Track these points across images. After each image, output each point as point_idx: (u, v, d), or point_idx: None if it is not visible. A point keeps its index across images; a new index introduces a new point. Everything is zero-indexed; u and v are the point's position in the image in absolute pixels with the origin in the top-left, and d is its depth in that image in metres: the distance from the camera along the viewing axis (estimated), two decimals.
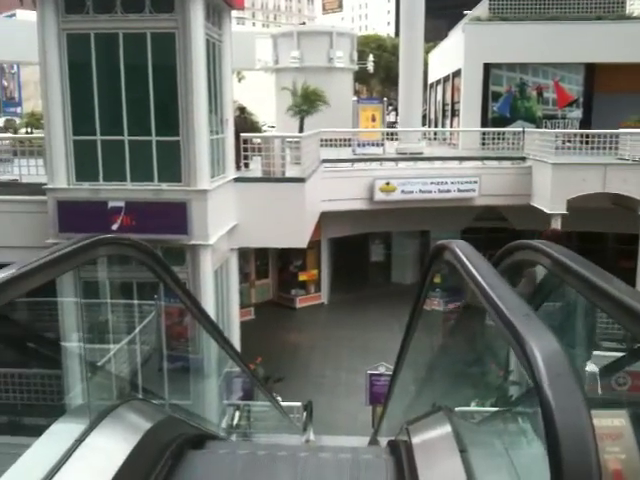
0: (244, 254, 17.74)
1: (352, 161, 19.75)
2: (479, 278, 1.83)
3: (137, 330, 9.93)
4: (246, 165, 14.78)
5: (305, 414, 12.16)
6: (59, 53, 11.09)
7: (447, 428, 2.57)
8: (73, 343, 4.27)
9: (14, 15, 58.37)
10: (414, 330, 4.28)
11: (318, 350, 18.34)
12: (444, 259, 2.87)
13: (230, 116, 13.50)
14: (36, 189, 12.11)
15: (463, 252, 2.20)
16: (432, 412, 3.00)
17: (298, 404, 12.03)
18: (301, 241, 14.36)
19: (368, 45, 49.07)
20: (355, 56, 29.78)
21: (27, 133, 17.83)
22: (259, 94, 32.67)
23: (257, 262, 21.77)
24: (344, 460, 2.95)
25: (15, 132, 18.35)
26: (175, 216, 11.61)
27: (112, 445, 2.33)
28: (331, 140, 21.72)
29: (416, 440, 2.66)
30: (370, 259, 24.70)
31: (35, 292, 1.99)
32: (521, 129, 21.29)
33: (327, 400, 14.77)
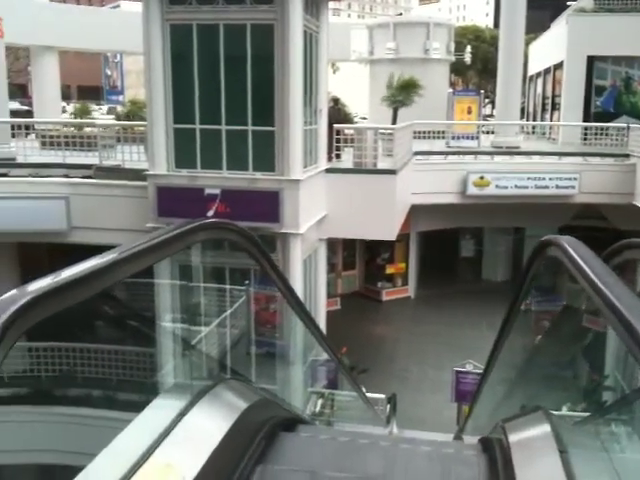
0: (331, 244, 17.83)
1: (445, 154, 19.41)
2: (593, 276, 1.74)
3: (227, 313, 10.21)
4: (337, 156, 14.83)
5: (389, 407, 12.12)
6: (162, 43, 11.47)
7: (546, 428, 2.49)
8: (169, 323, 4.43)
9: (118, 6, 60.92)
10: (510, 329, 4.16)
11: (403, 344, 18.23)
12: (548, 255, 2.76)
13: (324, 107, 13.55)
14: (137, 175, 12.62)
15: (573, 248, 2.11)
16: (530, 411, 2.91)
17: (382, 396, 12.01)
18: (390, 233, 14.27)
19: (465, 36, 47.97)
20: (452, 47, 29.21)
21: (127, 120, 18.51)
22: (352, 85, 32.66)
23: (344, 253, 21.85)
24: (435, 453, 2.92)
25: (118, 119, 19.13)
26: (268, 205, 11.79)
27: (211, 422, 2.40)
28: (424, 132, 21.42)
29: (513, 438, 2.59)
30: (460, 254, 24.27)
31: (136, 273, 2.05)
32: (626, 125, 20.23)
33: (411, 395, 14.67)
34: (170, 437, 2.17)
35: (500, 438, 2.75)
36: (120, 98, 60.70)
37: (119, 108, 33.88)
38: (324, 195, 13.57)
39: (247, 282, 11.45)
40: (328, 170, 13.72)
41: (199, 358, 4.04)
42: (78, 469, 2.11)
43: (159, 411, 2.40)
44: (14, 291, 1.43)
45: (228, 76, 11.42)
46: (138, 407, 2.43)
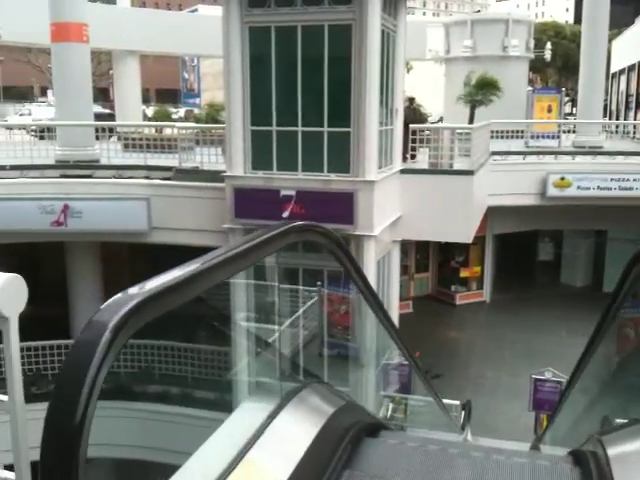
0: (404, 246, 17.65)
1: (524, 154, 18.90)
2: None
3: (299, 313, 10.25)
4: (412, 156, 14.67)
5: (463, 413, 11.89)
6: (241, 46, 11.63)
7: None
8: (250, 323, 4.44)
9: (196, 10, 62.42)
10: (602, 338, 3.96)
11: (478, 349, 17.84)
12: None
13: (400, 107, 13.43)
14: (215, 176, 12.86)
15: None
16: (631, 424, 2.75)
17: (456, 403, 11.78)
18: (466, 236, 13.98)
19: (545, 32, 46.62)
20: (531, 44, 28.42)
21: (206, 123, 18.92)
22: (426, 84, 32.28)
23: (417, 255, 21.59)
24: (522, 464, 2.80)
25: (197, 122, 19.58)
26: (342, 206, 11.77)
27: (299, 427, 2.37)
28: (501, 131, 20.92)
29: (613, 452, 2.44)
30: (538, 258, 23.55)
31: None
32: None
33: (486, 401, 14.35)
34: (260, 440, 2.16)
35: (596, 452, 2.61)
36: (197, 101, 62.11)
37: (196, 111, 34.68)
38: (398, 196, 13.44)
39: (319, 283, 11.47)
40: (403, 171, 13.58)
41: (283, 360, 4.03)
42: (170, 467, 2.12)
43: (248, 413, 2.39)
44: (125, 292, 1.43)
45: (305, 77, 11.47)
46: (223, 407, 2.44)
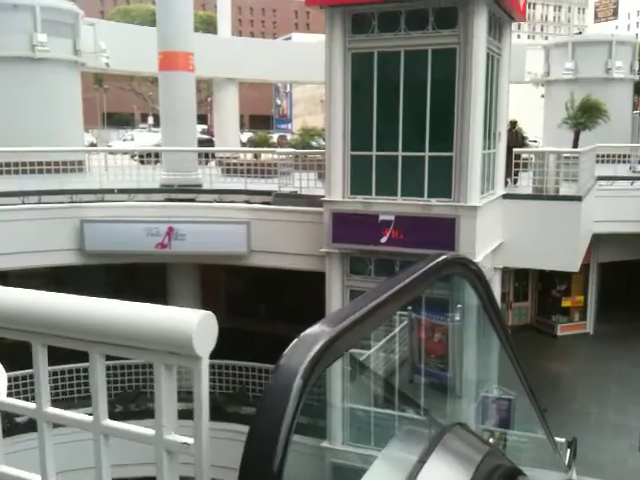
0: (502, 274, 17.12)
1: (631, 179, 18.00)
2: None
3: (390, 336, 10.04)
4: (515, 181, 14.27)
5: (569, 451, 11.28)
6: (343, 72, 11.70)
7: None
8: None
9: (290, 38, 64.07)
10: None
11: (582, 383, 16.98)
12: None
13: (503, 130, 13.11)
14: (313, 201, 12.93)
15: None
16: None
17: (561, 440, 11.19)
18: (573, 264, 13.39)
19: None
20: (636, 66, 27.23)
21: (301, 148, 19.18)
22: (524, 107, 31.53)
23: (516, 283, 20.89)
24: None
25: (292, 147, 19.89)
26: (443, 232, 11.53)
27: (451, 473, 2.23)
28: (606, 156, 20.04)
29: None
30: None
31: None
32: None
33: (591, 439, 13.58)
34: None
35: None
36: (288, 126, 63.56)
37: (288, 136, 35.29)
38: (500, 222, 13.08)
39: (410, 308, 11.24)
40: (505, 196, 13.22)
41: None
42: None
43: (397, 455, 2.27)
44: (308, 335, 1.37)
45: (407, 102, 11.39)
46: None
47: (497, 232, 12.97)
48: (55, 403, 1.42)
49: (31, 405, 1.42)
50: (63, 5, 21.96)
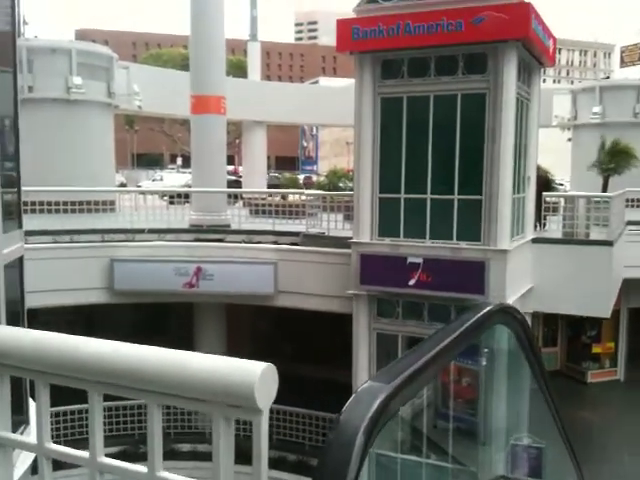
0: (531, 318, 16.86)
1: None
2: None
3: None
4: (544, 225, 14.18)
5: None
6: (373, 115, 11.84)
7: None
8: None
9: (317, 82, 65.15)
10: None
11: (614, 432, 16.47)
12: None
13: (533, 174, 13.08)
14: (341, 242, 12.95)
15: None
16: None
17: None
18: (604, 310, 13.17)
19: None
20: None
21: (328, 190, 19.29)
22: (549, 151, 31.45)
23: (544, 328, 20.52)
24: None
25: (319, 188, 20.02)
26: (472, 275, 11.44)
27: None
28: (636, 200, 19.84)
29: None
30: None
31: None
32: None
33: None
34: None
35: None
36: (314, 168, 64.13)
37: (314, 178, 35.57)
38: (530, 266, 12.95)
39: None
40: (535, 240, 13.12)
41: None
42: None
43: None
44: (367, 389, 1.36)
45: (436, 145, 11.47)
46: None
47: (527, 276, 12.84)
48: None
49: (32, 440, 1.42)
50: (98, 49, 22.66)
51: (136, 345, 1.33)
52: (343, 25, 11.92)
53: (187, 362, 1.20)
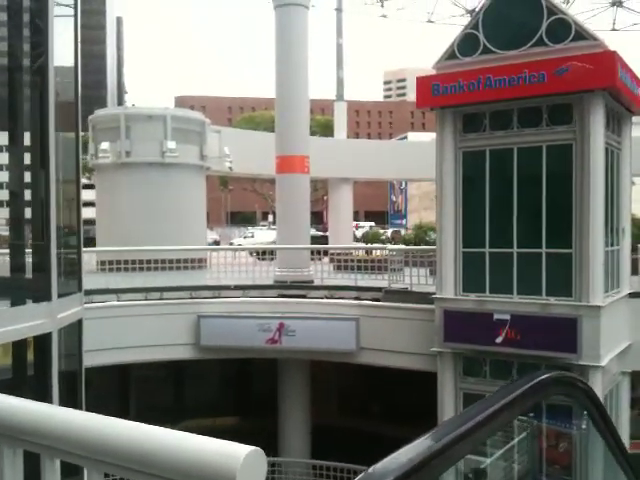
0: (634, 377, 15.74)
1: None
2: None
3: (512, 444, 9.34)
4: None
5: None
6: (455, 169, 11.71)
7: None
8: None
9: (405, 137, 65.55)
10: None
11: None
12: None
13: (627, 225, 12.45)
14: (424, 298, 12.69)
15: None
16: None
17: None
18: None
19: None
20: None
21: (414, 244, 19.09)
22: None
23: None
24: None
25: (405, 243, 19.85)
26: (563, 333, 10.88)
27: None
28: None
29: None
30: None
31: None
32: None
33: None
34: None
35: None
36: (403, 222, 63.89)
37: (402, 232, 35.38)
38: (627, 322, 12.18)
39: (532, 414, 10.48)
40: (632, 295, 12.36)
41: None
42: None
43: None
44: (388, 460, 1.26)
45: (520, 198, 11.17)
46: None
47: (624, 333, 12.08)
48: None
49: None
50: (192, 115, 23.84)
51: (123, 421, 1.24)
52: (423, 82, 11.99)
53: (171, 441, 1.12)
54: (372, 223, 63.09)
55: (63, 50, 6.37)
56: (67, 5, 6.72)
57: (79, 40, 6.77)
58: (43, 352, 5.78)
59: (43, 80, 5.90)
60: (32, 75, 6.05)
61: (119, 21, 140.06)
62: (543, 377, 1.93)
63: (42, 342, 5.76)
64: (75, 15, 6.85)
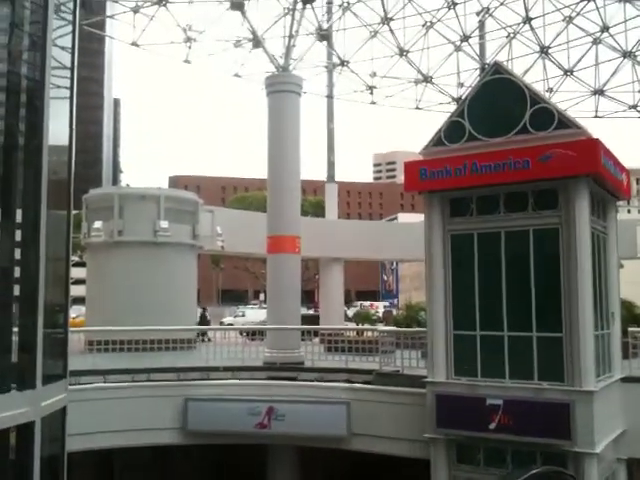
0: (630, 463, 15.36)
1: None
2: None
3: None
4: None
5: None
6: (443, 251, 11.83)
7: None
8: None
9: (396, 218, 66.48)
10: None
11: None
12: None
13: (617, 309, 12.48)
14: (416, 381, 12.51)
15: None
16: None
17: None
18: None
19: None
20: None
21: (406, 325, 18.98)
22: (636, 282, 30.11)
23: None
24: None
25: (396, 324, 19.72)
26: (556, 418, 10.72)
27: None
28: None
29: None
30: None
31: None
32: None
33: None
34: None
35: None
36: (394, 301, 63.81)
37: (394, 312, 35.24)
38: (620, 407, 12.00)
39: None
40: (624, 379, 12.24)
41: None
42: None
43: None
44: None
45: (509, 281, 11.25)
46: None
47: (618, 419, 11.88)
48: None
49: None
50: (185, 195, 24.17)
51: None
52: (411, 167, 12.28)
53: None
54: (387, 303, 63.09)
55: (59, 129, 6.53)
56: (64, 87, 6.93)
57: (74, 120, 6.95)
58: (25, 441, 5.61)
59: (37, 159, 6.02)
60: (27, 154, 6.17)
61: (116, 102, 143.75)
62: (533, 472, 1.91)
63: (24, 431, 5.60)
64: (71, 97, 7.06)
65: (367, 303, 62.76)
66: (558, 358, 10.86)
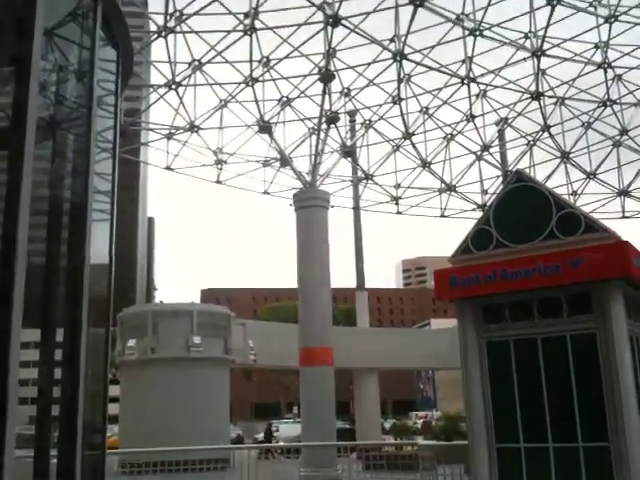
0: None
1: None
2: None
3: None
4: None
5: None
6: (480, 360, 11.58)
7: None
8: None
9: (428, 324, 65.57)
10: None
11: None
12: None
13: None
14: None
15: None
16: None
17: None
18: None
19: None
20: None
21: (446, 436, 18.35)
22: None
23: None
24: None
25: (436, 436, 19.07)
26: None
27: None
28: None
29: None
30: None
31: None
32: None
33: None
34: None
35: None
36: (433, 411, 61.77)
37: (433, 423, 34.14)
38: None
39: None
40: None
41: None
42: None
43: None
44: None
45: (550, 388, 10.90)
46: None
47: None
48: None
49: None
50: (217, 309, 24.42)
51: None
52: (440, 274, 12.32)
53: None
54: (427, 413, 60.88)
55: (99, 249, 6.76)
56: (103, 211, 7.25)
57: (114, 241, 7.21)
58: None
59: (78, 279, 6.20)
60: (68, 274, 6.36)
61: (150, 221, 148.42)
62: None
63: None
64: (111, 220, 7.38)
65: (422, 413, 60.18)
66: (607, 470, 10.31)
